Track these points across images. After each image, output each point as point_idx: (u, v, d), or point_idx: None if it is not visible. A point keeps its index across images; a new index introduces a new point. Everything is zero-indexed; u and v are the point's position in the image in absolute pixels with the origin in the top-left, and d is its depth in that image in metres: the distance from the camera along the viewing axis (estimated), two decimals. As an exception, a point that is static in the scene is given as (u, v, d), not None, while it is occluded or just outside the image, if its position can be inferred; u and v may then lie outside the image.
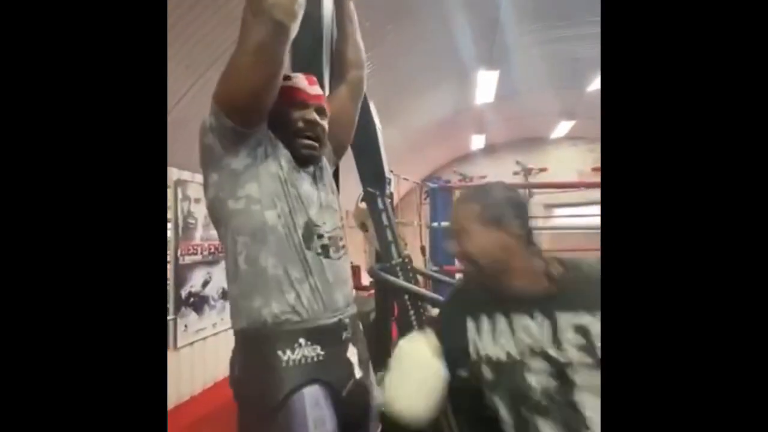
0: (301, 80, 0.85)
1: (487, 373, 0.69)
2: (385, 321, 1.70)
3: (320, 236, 0.79)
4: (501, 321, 0.72)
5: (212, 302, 2.78)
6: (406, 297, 1.29)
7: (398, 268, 1.33)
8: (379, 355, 1.30)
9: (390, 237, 1.38)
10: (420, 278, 1.86)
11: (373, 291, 2.14)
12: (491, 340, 0.71)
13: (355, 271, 3.65)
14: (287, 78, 0.84)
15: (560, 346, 0.66)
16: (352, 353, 0.80)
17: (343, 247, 0.85)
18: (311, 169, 0.85)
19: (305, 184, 0.82)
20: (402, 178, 2.60)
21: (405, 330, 1.35)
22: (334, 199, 0.88)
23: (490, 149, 6.69)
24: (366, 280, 3.44)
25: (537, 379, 0.66)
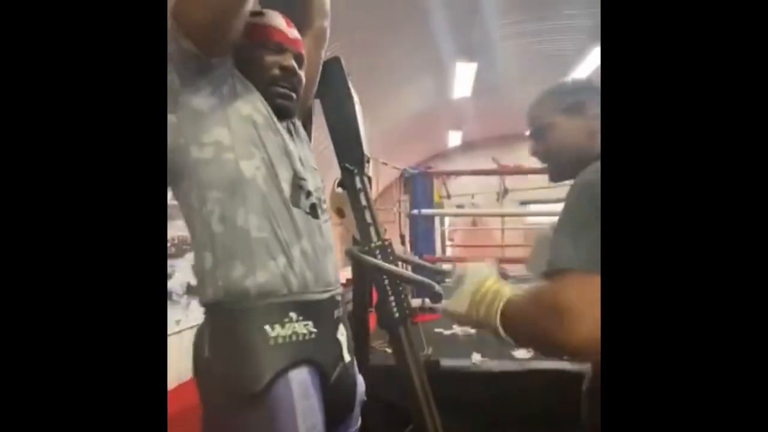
0: (277, 18, 0.74)
1: None
2: (362, 311, 1.60)
3: (308, 194, 0.70)
4: None
5: (175, 298, 2.60)
6: (386, 282, 1.19)
7: (378, 252, 1.22)
8: (357, 349, 1.21)
9: (369, 218, 1.27)
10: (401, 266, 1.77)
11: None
12: None
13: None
14: (259, 14, 0.73)
15: None
16: (342, 334, 0.73)
17: (325, 210, 0.77)
18: (285, 123, 0.74)
19: (285, 134, 0.72)
20: (381, 162, 2.50)
21: (385, 318, 1.25)
22: (312, 158, 0.79)
23: (467, 146, 6.71)
24: (343, 277, 3.33)
25: None
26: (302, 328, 0.64)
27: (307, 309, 0.66)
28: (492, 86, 4.61)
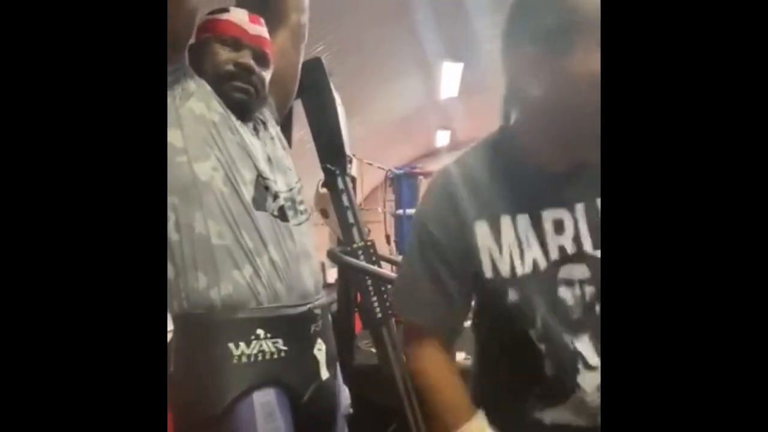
0: (238, 14, 0.70)
1: (512, 294, 0.49)
2: (348, 313, 1.60)
3: (275, 195, 0.66)
4: (523, 218, 0.49)
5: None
6: (369, 282, 1.20)
7: (360, 252, 1.22)
8: (343, 352, 1.22)
9: (351, 219, 1.28)
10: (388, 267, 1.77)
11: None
12: (515, 246, 0.49)
13: (321, 267, 3.51)
14: (224, 10, 0.71)
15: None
16: (320, 350, 0.67)
17: (305, 211, 0.72)
18: (250, 122, 0.71)
19: (247, 132, 0.68)
20: (365, 162, 2.50)
21: (368, 318, 1.25)
22: (286, 156, 0.74)
23: (455, 146, 6.74)
24: (331, 277, 3.33)
25: (571, 291, 0.48)
26: (270, 346, 0.61)
27: (278, 325, 0.62)
28: (479, 86, 4.63)
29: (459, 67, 3.91)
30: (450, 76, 4.16)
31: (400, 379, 1.24)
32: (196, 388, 0.59)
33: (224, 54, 0.68)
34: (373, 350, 1.53)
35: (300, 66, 0.88)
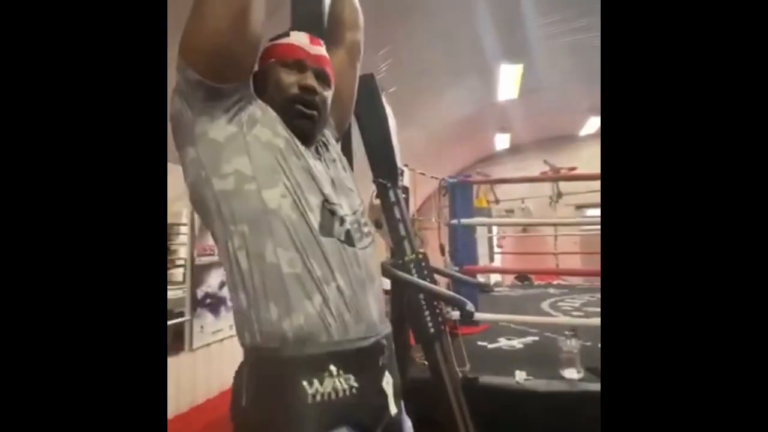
0: (300, 37, 0.70)
1: None
2: (401, 325, 1.60)
3: (342, 220, 0.63)
4: None
5: (229, 304, 2.75)
6: (421, 297, 1.19)
7: (412, 265, 1.22)
8: (398, 365, 1.23)
9: (403, 231, 1.28)
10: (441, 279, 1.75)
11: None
12: None
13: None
14: (285, 35, 0.71)
15: None
16: (387, 383, 0.63)
17: (369, 234, 0.68)
18: (312, 146, 0.70)
19: (310, 156, 0.66)
20: (418, 173, 2.49)
21: (420, 333, 1.24)
22: (348, 177, 0.72)
23: (515, 149, 6.48)
24: (386, 284, 3.36)
25: None
26: (343, 383, 0.58)
27: (349, 360, 0.59)
28: (540, 87, 4.42)
29: (518, 68, 3.76)
30: (508, 78, 4.02)
31: (453, 395, 1.21)
32: (270, 426, 0.57)
33: (289, 77, 0.68)
34: (426, 363, 1.51)
35: (357, 83, 0.86)
